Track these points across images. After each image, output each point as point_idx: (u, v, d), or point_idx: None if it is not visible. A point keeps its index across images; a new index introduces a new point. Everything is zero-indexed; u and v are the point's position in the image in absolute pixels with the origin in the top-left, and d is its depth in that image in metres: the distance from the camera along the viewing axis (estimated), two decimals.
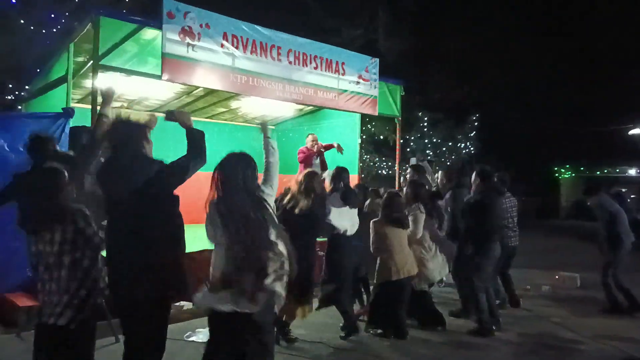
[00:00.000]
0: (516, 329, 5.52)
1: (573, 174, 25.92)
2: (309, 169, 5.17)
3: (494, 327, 5.31)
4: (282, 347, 4.66)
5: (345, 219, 5.07)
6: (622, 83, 20.21)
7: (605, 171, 23.64)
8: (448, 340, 5.12)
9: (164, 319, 2.99)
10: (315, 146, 7.95)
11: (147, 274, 2.82)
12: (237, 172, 2.95)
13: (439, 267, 5.56)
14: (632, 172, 22.42)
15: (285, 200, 4.66)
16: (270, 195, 3.12)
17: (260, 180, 3.13)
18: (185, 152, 3.00)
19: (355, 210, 5.31)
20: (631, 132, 17.79)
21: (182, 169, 2.95)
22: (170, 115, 3.13)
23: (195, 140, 3.03)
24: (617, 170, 22.74)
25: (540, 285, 7.70)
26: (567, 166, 25.77)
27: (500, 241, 5.58)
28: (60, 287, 2.86)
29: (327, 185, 5.25)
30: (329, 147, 8.02)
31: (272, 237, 2.91)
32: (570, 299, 7.02)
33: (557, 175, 26.19)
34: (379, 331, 5.15)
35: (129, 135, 3.00)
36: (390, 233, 5.07)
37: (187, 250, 3.15)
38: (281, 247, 2.95)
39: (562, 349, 4.98)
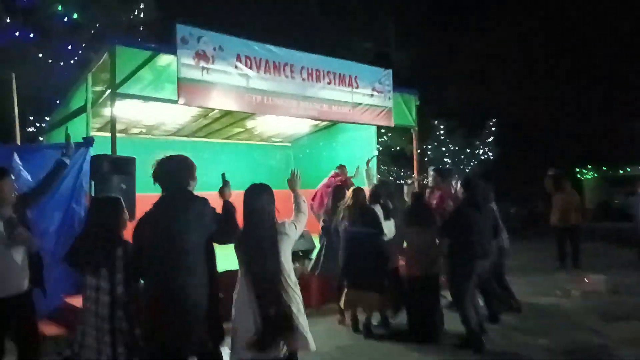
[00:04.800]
0: (548, 337, 5.40)
1: (595, 175, 25.45)
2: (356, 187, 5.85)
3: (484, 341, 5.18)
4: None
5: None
6: None
7: (629, 170, 23.17)
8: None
9: None
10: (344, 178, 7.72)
11: (196, 324, 2.89)
12: (258, 205, 3.33)
13: None
14: None
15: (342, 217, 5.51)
16: (289, 236, 3.43)
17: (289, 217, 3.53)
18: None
19: (392, 221, 5.77)
20: None
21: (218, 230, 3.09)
22: (224, 183, 3.32)
23: (230, 213, 3.16)
24: None
25: (569, 290, 7.53)
26: (589, 167, 25.32)
27: (483, 257, 5.28)
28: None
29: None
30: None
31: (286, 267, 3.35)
32: (601, 303, 6.84)
33: (579, 176, 25.75)
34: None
35: (179, 173, 3.11)
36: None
37: None
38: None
39: (596, 356, 4.85)
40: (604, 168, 24.80)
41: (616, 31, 20.33)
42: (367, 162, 6.78)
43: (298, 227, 3.50)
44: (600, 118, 20.81)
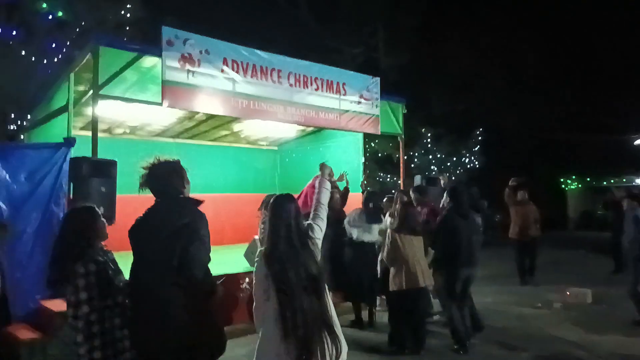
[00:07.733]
0: (530, 350, 5.39)
1: (579, 185, 25.71)
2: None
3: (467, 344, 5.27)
4: None
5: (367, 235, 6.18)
6: (627, 93, 20.17)
7: (612, 181, 23.46)
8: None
9: None
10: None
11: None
12: (286, 218, 2.82)
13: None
14: (639, 181, 22.19)
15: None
16: (317, 238, 2.96)
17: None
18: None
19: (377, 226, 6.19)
20: (637, 142, 17.67)
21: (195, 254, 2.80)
22: None
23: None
24: (624, 180, 22.53)
25: (551, 302, 7.55)
26: (574, 177, 25.58)
27: (469, 265, 5.39)
28: None
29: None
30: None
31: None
32: (583, 316, 6.86)
33: (563, 186, 26.00)
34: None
35: (168, 178, 2.93)
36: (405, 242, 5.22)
37: None
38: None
39: None
40: (588, 179, 25.08)
41: (608, 44, 20.63)
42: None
43: (320, 224, 3.04)
44: (586, 130, 21.05)
